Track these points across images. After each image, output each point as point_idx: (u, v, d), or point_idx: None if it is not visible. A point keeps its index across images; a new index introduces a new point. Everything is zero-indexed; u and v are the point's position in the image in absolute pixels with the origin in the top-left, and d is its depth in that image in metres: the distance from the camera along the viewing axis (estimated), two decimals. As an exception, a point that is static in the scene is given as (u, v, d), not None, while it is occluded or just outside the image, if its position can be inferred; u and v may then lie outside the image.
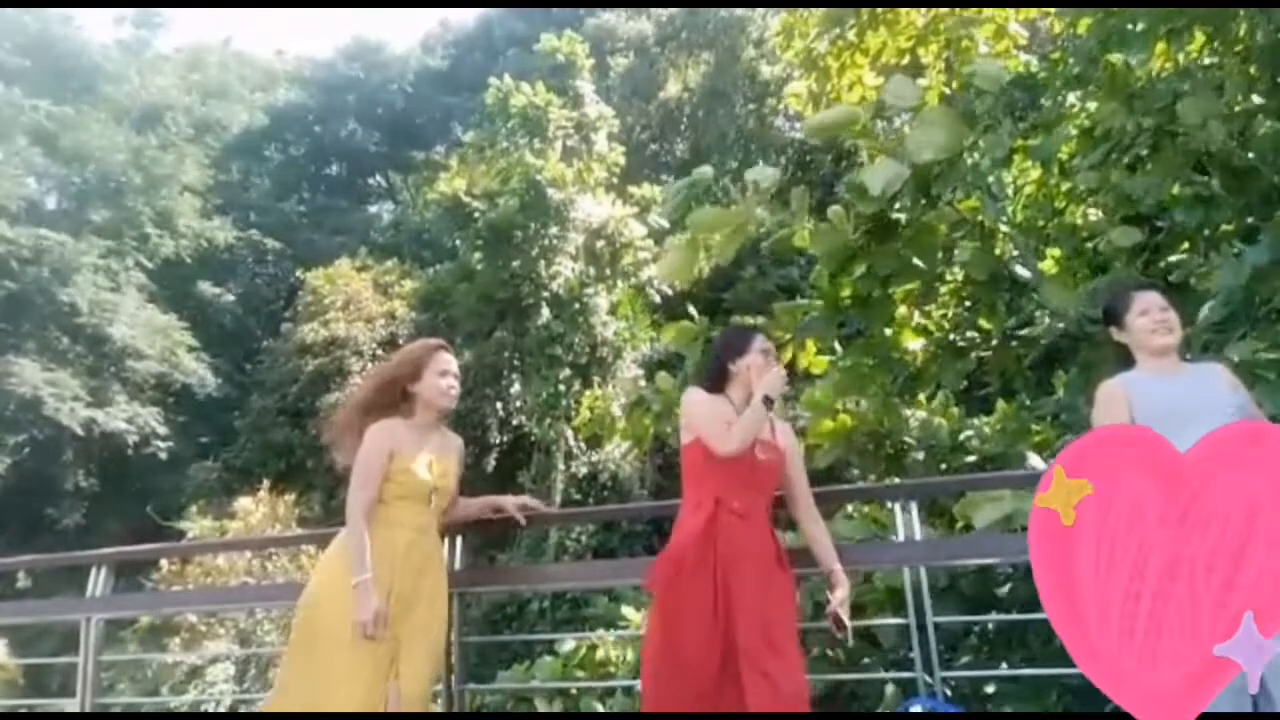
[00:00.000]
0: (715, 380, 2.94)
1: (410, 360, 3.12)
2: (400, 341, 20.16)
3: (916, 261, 4.41)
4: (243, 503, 14.12)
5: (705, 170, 4.52)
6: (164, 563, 11.71)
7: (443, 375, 3.09)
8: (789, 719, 2.55)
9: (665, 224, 15.94)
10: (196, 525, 15.11)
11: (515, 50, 27.57)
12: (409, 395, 3.08)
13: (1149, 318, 2.71)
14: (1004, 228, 4.66)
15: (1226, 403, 2.57)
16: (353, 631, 2.75)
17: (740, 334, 3.06)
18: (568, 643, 5.05)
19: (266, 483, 14.94)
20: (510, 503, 3.38)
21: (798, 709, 2.57)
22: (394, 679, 2.77)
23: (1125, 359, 2.82)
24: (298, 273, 24.22)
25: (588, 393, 15.21)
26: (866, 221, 4.26)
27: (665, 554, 2.77)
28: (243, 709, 8.85)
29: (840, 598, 2.78)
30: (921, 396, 5.51)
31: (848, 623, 2.76)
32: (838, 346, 5.08)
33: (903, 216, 4.28)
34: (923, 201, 4.14)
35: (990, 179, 4.54)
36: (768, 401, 2.76)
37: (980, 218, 4.46)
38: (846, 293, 4.54)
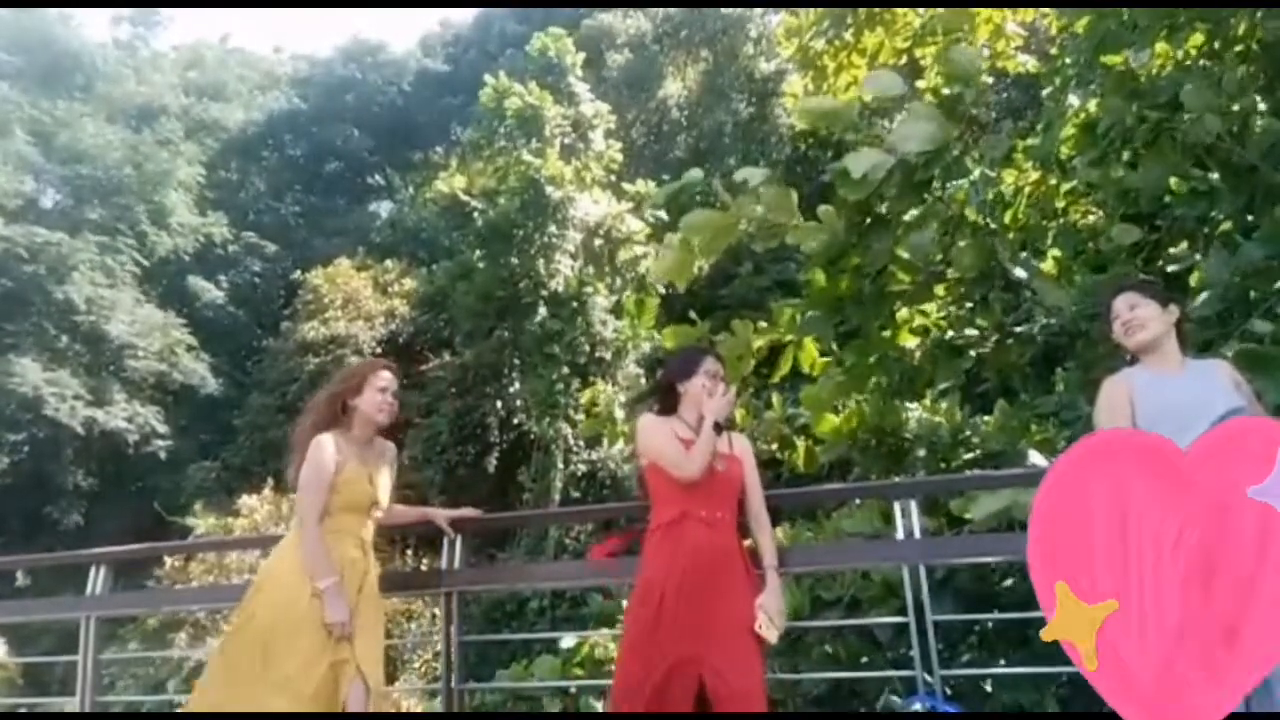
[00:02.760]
0: (665, 402, 3.08)
1: (354, 375, 3.30)
2: (400, 340, 20.21)
3: (908, 258, 4.39)
4: (247, 500, 14.13)
5: (695, 173, 4.55)
6: (167, 560, 11.73)
7: (382, 392, 3.23)
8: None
9: (665, 217, 15.88)
10: (202, 523, 15.12)
11: (514, 51, 27.50)
12: (349, 409, 3.22)
13: (1119, 322, 2.80)
14: (993, 224, 4.65)
15: (1228, 401, 2.57)
16: (311, 633, 2.86)
17: (689, 356, 3.19)
18: (567, 641, 5.06)
19: (270, 481, 14.93)
20: (440, 516, 3.59)
21: (751, 705, 2.64)
22: (356, 679, 2.88)
23: (1123, 356, 2.85)
24: (296, 272, 24.19)
25: (588, 391, 15.18)
26: (856, 214, 4.24)
27: (639, 576, 2.89)
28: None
29: (764, 600, 2.79)
30: (927, 398, 5.50)
31: (775, 621, 2.74)
32: (835, 346, 5.07)
33: (891, 209, 4.26)
34: (910, 194, 4.12)
35: (975, 173, 4.53)
36: (716, 426, 2.92)
37: (966, 210, 4.44)
38: (844, 286, 4.52)
